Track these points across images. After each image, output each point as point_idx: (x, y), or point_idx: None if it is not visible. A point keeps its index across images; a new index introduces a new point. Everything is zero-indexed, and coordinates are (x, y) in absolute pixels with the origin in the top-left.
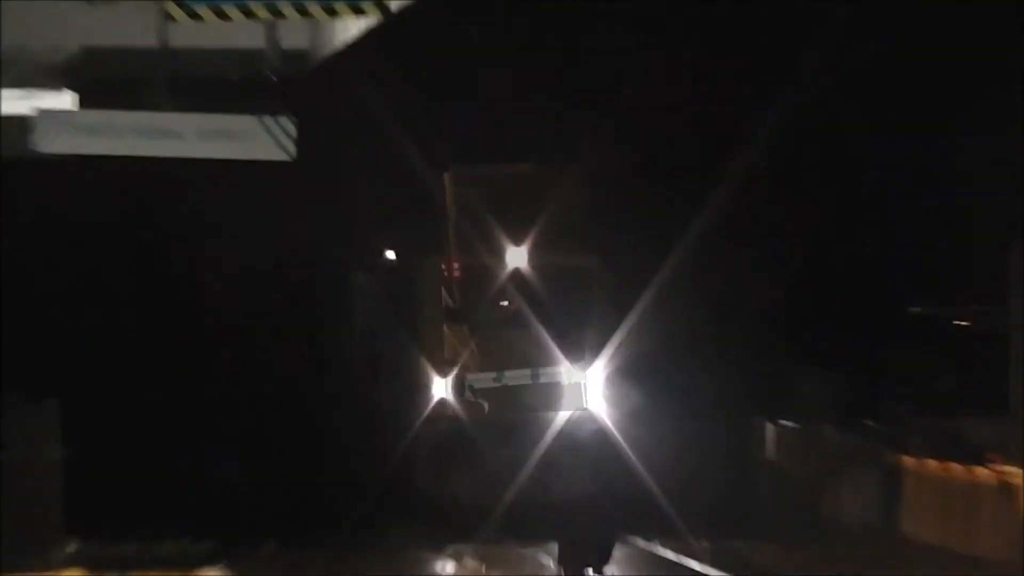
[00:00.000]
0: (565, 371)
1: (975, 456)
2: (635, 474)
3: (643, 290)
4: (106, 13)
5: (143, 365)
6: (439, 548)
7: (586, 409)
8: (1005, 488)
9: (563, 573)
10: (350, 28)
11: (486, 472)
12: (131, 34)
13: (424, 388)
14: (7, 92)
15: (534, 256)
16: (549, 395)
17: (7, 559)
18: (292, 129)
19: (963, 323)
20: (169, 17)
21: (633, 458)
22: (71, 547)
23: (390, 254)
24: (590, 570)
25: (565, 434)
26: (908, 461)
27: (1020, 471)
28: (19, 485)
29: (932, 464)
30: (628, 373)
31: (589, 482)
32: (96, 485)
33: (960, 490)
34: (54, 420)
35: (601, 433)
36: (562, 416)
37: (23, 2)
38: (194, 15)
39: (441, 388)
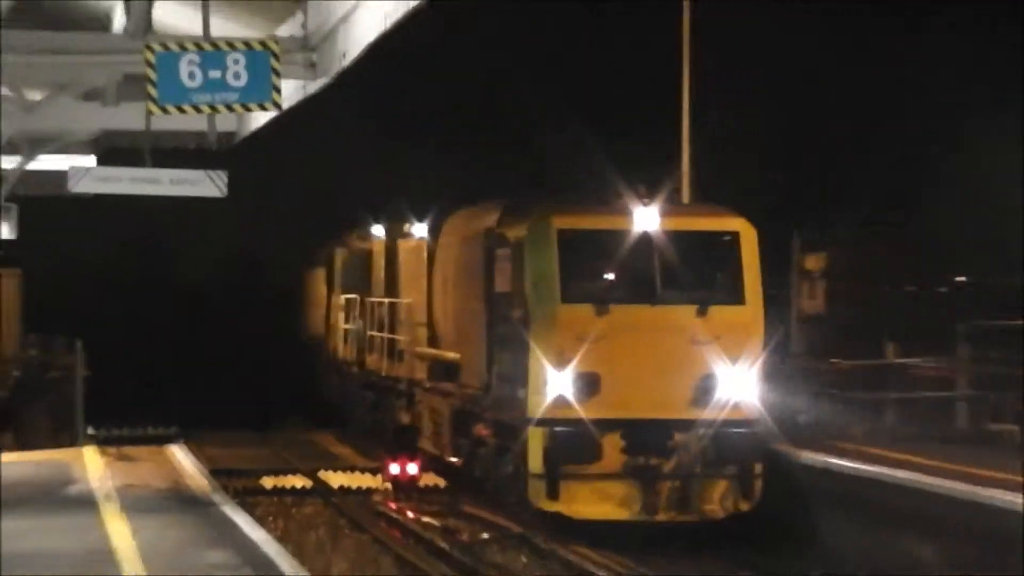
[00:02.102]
0: None
1: None
2: None
3: None
4: (113, 110)
5: (135, 327)
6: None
7: None
8: None
9: None
10: (258, 119)
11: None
12: (128, 122)
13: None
14: (54, 157)
15: None
16: None
17: (51, 439)
18: (224, 178)
19: None
20: (151, 112)
21: None
22: (88, 432)
23: None
24: None
25: None
26: None
27: None
28: (61, 394)
29: None
30: None
31: None
32: (105, 396)
33: None
34: (82, 358)
35: None
36: None
37: (65, 101)
38: (165, 110)
39: None
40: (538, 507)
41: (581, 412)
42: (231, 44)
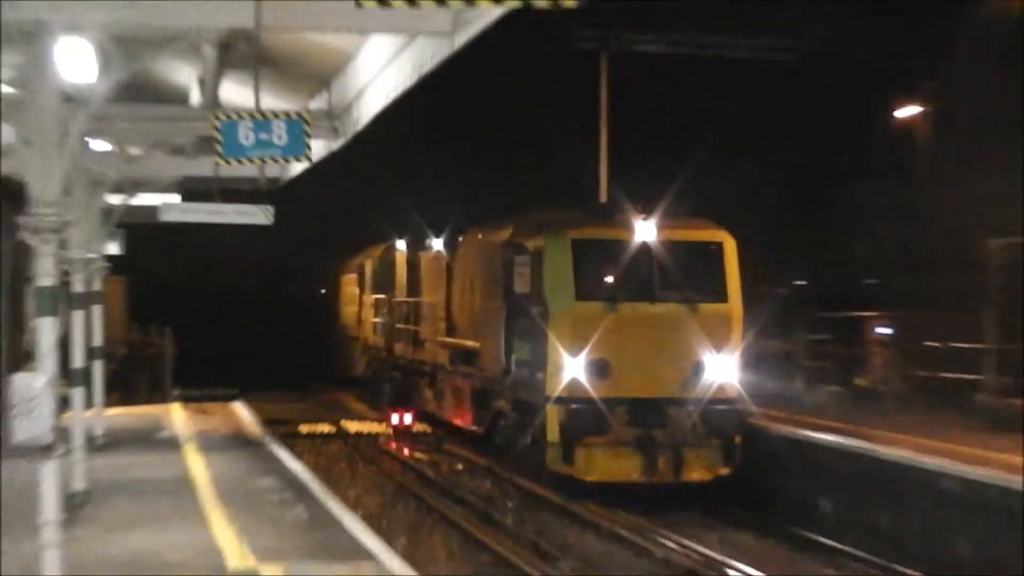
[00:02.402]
0: None
1: None
2: None
3: None
4: (192, 161)
5: (210, 319)
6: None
7: None
8: None
9: None
10: (296, 168)
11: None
12: (202, 170)
13: None
14: (149, 195)
15: None
16: None
17: (147, 398)
18: (272, 211)
19: None
20: (217, 163)
21: None
22: (175, 392)
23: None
24: None
25: None
26: None
27: None
28: (155, 366)
29: None
30: None
31: None
32: (186, 367)
33: None
34: (170, 340)
35: None
36: None
37: (157, 155)
38: (228, 162)
39: None
40: (555, 471)
41: (592, 392)
42: (275, 114)
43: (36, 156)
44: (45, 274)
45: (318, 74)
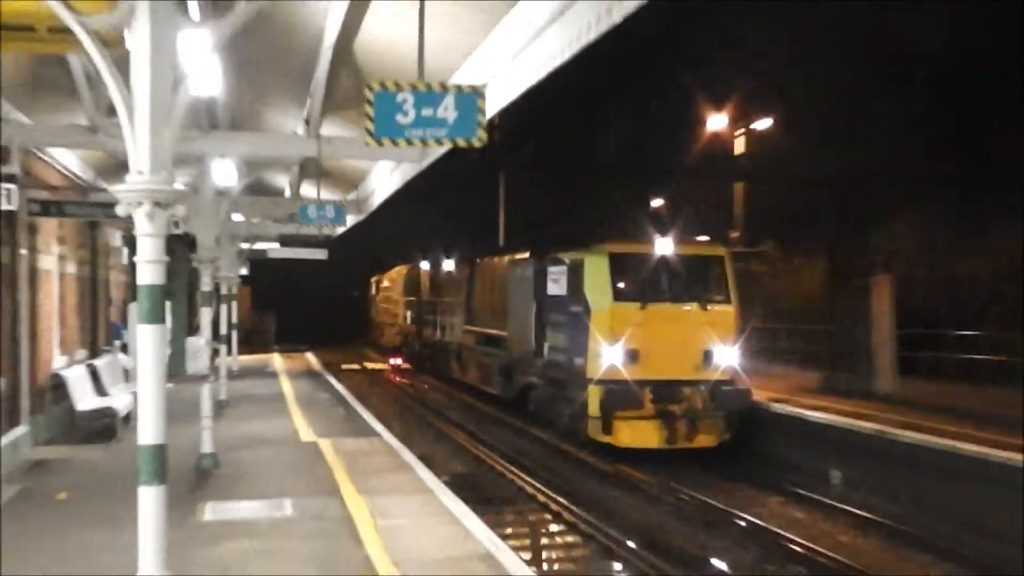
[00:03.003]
0: None
1: None
2: None
3: None
4: (284, 225)
5: (294, 310)
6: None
7: None
8: None
9: None
10: (340, 229)
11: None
12: (290, 231)
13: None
14: (264, 243)
15: None
16: None
17: (263, 349)
18: (326, 252)
19: None
20: (299, 222)
21: None
22: (275, 347)
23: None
24: None
25: None
26: None
27: None
28: (265, 333)
29: None
30: None
31: None
32: (282, 335)
33: None
34: (273, 321)
35: None
36: None
37: (266, 223)
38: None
39: None
40: (594, 439)
41: (626, 375)
42: (329, 201)
43: (201, 223)
44: (205, 285)
45: (351, 179)
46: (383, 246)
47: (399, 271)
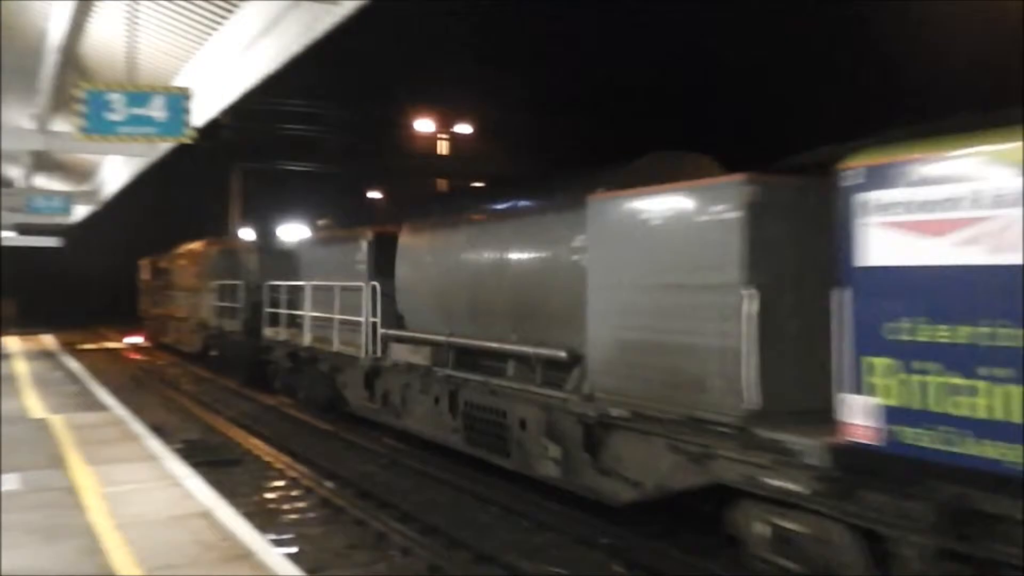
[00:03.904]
0: None
1: None
2: None
3: None
4: (19, 214)
5: (50, 295)
6: None
7: None
8: None
9: None
10: (76, 217)
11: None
12: (26, 219)
13: None
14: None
15: None
16: None
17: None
18: (63, 240)
19: None
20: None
21: None
22: (14, 329)
23: None
24: None
25: None
26: None
27: None
28: (4, 316)
29: None
30: None
31: None
32: (26, 317)
33: None
34: (14, 305)
35: None
36: None
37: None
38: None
39: None
40: None
41: None
42: (57, 193)
43: None
44: None
45: (84, 171)
46: (149, 232)
47: (198, 247)
